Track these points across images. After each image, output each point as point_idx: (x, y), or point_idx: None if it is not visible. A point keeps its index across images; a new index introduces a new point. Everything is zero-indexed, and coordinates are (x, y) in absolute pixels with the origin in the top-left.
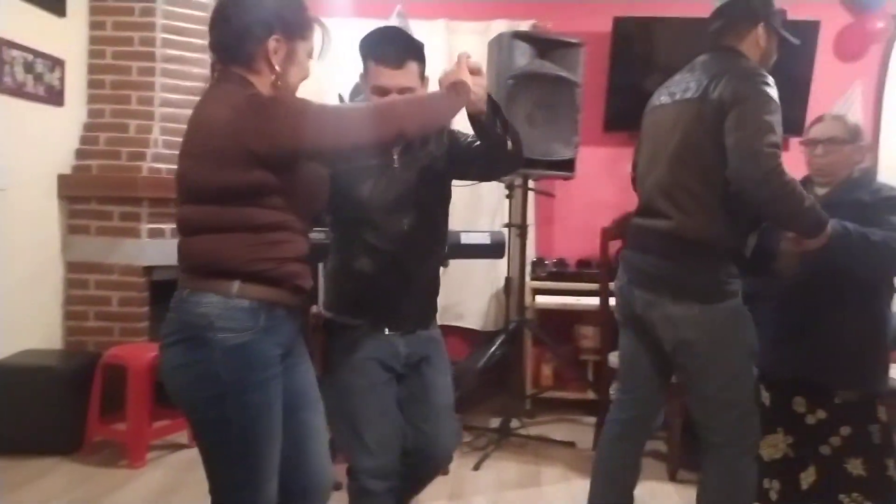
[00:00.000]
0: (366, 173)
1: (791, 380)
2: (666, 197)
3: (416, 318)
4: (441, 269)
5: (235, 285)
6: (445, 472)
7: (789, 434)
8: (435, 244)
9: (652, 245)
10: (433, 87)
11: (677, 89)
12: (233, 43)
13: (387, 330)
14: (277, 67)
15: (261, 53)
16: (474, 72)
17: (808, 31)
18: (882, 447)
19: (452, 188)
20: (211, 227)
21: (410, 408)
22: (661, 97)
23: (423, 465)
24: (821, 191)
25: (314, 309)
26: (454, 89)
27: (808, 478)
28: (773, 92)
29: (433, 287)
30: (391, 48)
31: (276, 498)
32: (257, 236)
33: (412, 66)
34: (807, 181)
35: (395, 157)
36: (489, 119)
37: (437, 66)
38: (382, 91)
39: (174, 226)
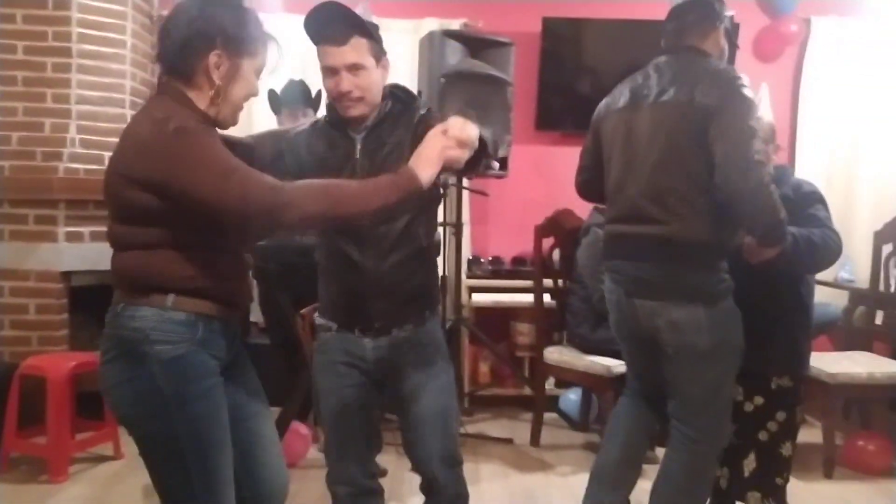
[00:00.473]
0: (328, 165)
1: None
2: (655, 202)
3: (386, 318)
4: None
5: (170, 298)
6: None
7: (733, 423)
8: (401, 240)
9: (646, 253)
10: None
11: (647, 91)
12: (173, 56)
13: (357, 332)
14: (218, 83)
15: (201, 68)
16: (462, 144)
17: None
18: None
19: None
20: (140, 244)
21: (399, 417)
22: (622, 100)
23: (423, 477)
24: None
25: (306, 310)
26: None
27: (749, 465)
28: (752, 94)
29: (406, 286)
30: (331, 25)
31: None
32: (188, 253)
33: (359, 42)
34: None
35: (358, 145)
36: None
37: None
38: (331, 70)
39: (93, 229)
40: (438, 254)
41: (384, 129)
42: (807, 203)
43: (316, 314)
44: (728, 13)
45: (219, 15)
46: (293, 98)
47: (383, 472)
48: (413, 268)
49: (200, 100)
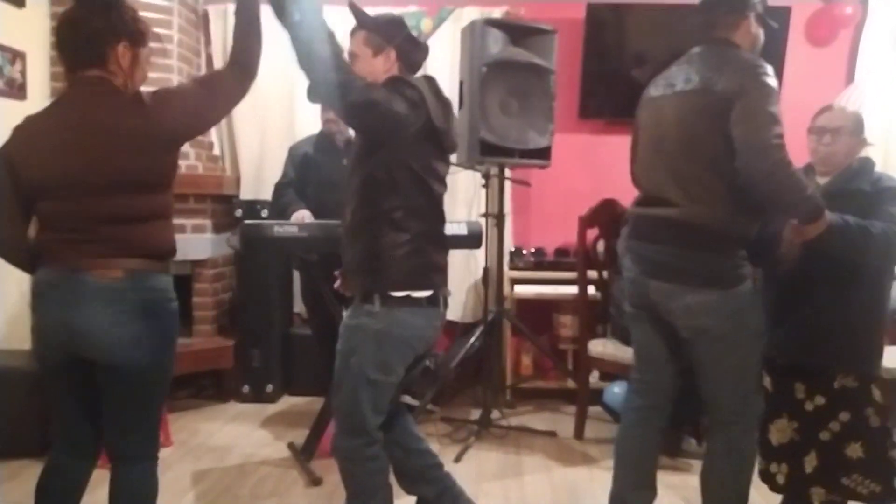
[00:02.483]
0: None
1: (791, 366)
2: (676, 186)
3: (347, 289)
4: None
5: (170, 265)
6: None
7: (793, 420)
8: (361, 223)
9: (664, 235)
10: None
11: (676, 81)
12: (85, 46)
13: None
14: (125, 68)
15: (112, 57)
16: None
17: (780, 16)
18: (880, 429)
19: None
20: (151, 214)
21: None
22: (658, 89)
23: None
24: (822, 180)
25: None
26: None
27: (811, 462)
28: (773, 82)
29: (360, 264)
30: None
31: None
32: (169, 222)
33: (357, 33)
34: (808, 169)
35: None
36: None
37: None
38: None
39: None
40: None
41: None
42: (884, 199)
43: None
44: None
45: (119, 12)
46: None
47: None
48: (348, 242)
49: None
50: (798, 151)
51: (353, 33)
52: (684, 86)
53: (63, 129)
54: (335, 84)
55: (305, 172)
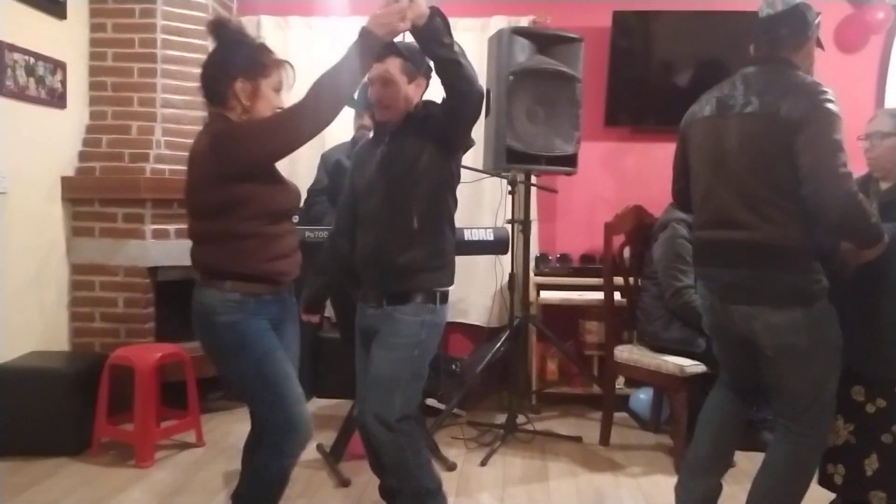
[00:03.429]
0: (367, 156)
1: (848, 369)
2: (745, 208)
3: (378, 293)
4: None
5: (228, 283)
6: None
7: (850, 422)
8: (430, 222)
9: (740, 258)
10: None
11: (734, 102)
12: (208, 88)
13: (366, 301)
14: (246, 103)
15: (230, 93)
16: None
17: None
18: None
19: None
20: (207, 238)
21: None
22: (707, 108)
23: (360, 430)
24: (884, 185)
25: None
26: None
27: (871, 465)
28: (836, 108)
29: (426, 263)
30: None
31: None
32: (240, 244)
33: (393, 60)
34: (869, 177)
35: (383, 145)
36: (428, 31)
37: None
38: (370, 81)
39: (178, 226)
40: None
41: (406, 136)
42: None
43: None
44: (817, 19)
45: (238, 51)
46: (357, 101)
47: (452, 466)
48: (403, 246)
49: (235, 118)
50: None
51: (382, 58)
52: (744, 108)
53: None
54: (474, 75)
55: (338, 180)
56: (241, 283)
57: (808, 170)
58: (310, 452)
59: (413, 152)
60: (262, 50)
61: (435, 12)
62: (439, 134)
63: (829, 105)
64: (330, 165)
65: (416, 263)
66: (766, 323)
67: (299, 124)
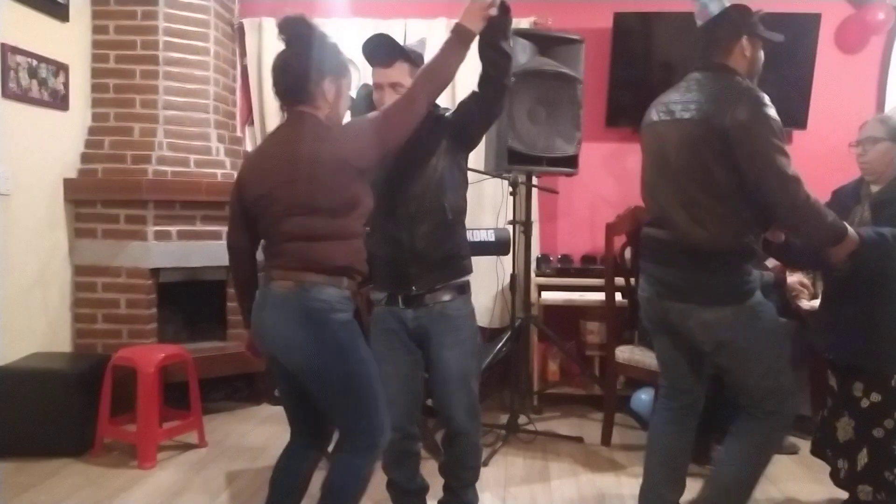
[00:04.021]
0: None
1: (851, 366)
2: (681, 210)
3: (418, 290)
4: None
5: (345, 281)
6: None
7: (852, 418)
8: (458, 215)
9: (674, 259)
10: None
11: (676, 108)
12: (296, 85)
13: (399, 303)
14: (331, 102)
15: (318, 93)
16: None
17: (809, 23)
18: None
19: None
20: (327, 235)
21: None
22: (659, 113)
23: (449, 427)
24: (874, 188)
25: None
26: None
27: (861, 459)
28: (771, 111)
29: (435, 254)
30: (380, 50)
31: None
32: (354, 243)
33: (402, 65)
34: (861, 181)
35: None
36: (501, 24)
37: None
38: (378, 86)
39: (180, 227)
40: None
41: (420, 136)
42: None
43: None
44: (753, 18)
45: (324, 50)
46: (355, 105)
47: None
48: (441, 237)
49: (321, 117)
50: (832, 157)
51: (390, 63)
52: (683, 114)
53: (272, 158)
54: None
55: None
56: (352, 282)
57: (756, 177)
58: None
59: (431, 149)
60: (341, 50)
61: (507, 7)
62: (452, 131)
63: (767, 111)
64: None
65: (446, 256)
66: (699, 320)
67: (409, 116)
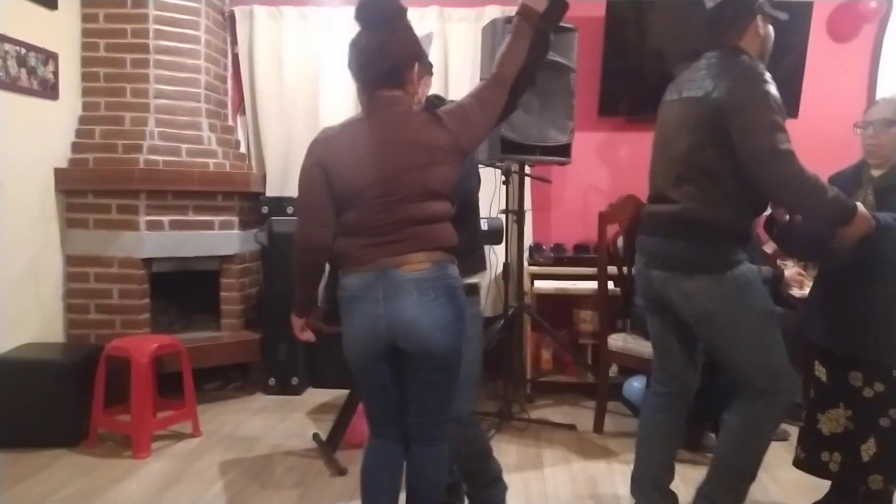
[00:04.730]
0: None
1: (847, 355)
2: (675, 187)
3: None
4: None
5: (456, 260)
6: None
7: (848, 408)
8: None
9: (661, 228)
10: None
11: (684, 87)
12: (392, 69)
13: None
14: (416, 87)
15: (409, 78)
16: None
17: (801, 12)
18: None
19: None
20: (447, 217)
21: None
22: (671, 93)
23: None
24: (876, 173)
25: None
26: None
27: (868, 449)
28: (770, 87)
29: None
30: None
31: None
32: (450, 225)
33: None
34: (863, 164)
35: None
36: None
37: (431, 56)
38: None
39: (172, 217)
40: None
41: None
42: None
43: None
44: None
45: (411, 37)
46: None
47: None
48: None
49: (408, 99)
50: (824, 146)
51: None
52: (687, 93)
53: (370, 144)
54: None
55: None
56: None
57: (748, 153)
58: (306, 442)
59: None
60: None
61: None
62: None
63: (766, 87)
64: None
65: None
66: (679, 289)
67: (502, 98)
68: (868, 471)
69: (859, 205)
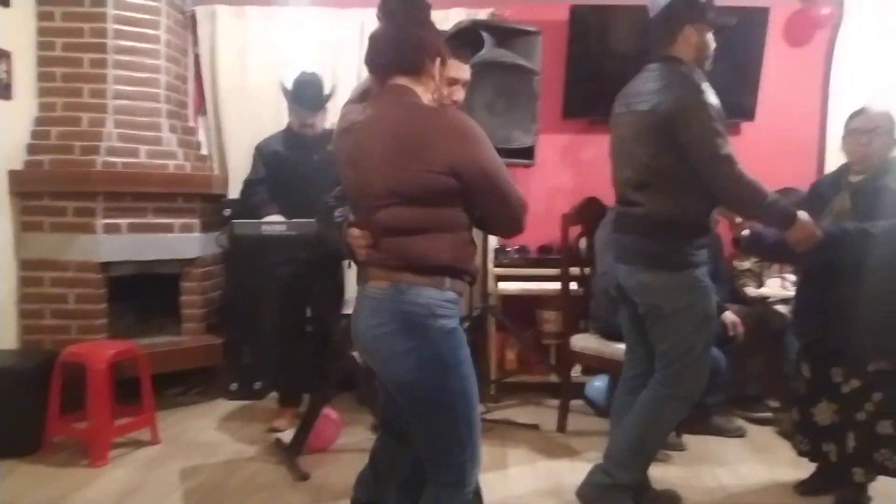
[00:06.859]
0: None
1: (830, 351)
2: (637, 191)
3: None
4: None
5: (447, 281)
6: None
7: (832, 402)
8: None
9: (631, 226)
10: None
11: (633, 101)
12: (407, 54)
13: None
14: (437, 83)
15: (427, 70)
16: None
17: (758, 17)
18: None
19: None
20: (422, 228)
21: None
22: (620, 106)
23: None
24: (855, 178)
25: None
26: None
27: (850, 442)
28: (706, 96)
29: None
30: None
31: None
32: (455, 236)
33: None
34: (844, 169)
35: None
36: None
37: None
38: (462, 84)
39: (130, 220)
40: None
41: None
42: None
43: None
44: (699, 6)
45: (438, 31)
46: (309, 102)
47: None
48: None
49: (423, 95)
50: (777, 151)
51: (469, 60)
52: (637, 106)
53: (359, 142)
54: None
55: (276, 171)
56: (458, 282)
57: (694, 160)
58: (269, 447)
59: None
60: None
61: None
62: None
63: (702, 96)
64: (267, 156)
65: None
66: (638, 281)
67: (510, 203)
68: (852, 463)
69: (803, 214)
